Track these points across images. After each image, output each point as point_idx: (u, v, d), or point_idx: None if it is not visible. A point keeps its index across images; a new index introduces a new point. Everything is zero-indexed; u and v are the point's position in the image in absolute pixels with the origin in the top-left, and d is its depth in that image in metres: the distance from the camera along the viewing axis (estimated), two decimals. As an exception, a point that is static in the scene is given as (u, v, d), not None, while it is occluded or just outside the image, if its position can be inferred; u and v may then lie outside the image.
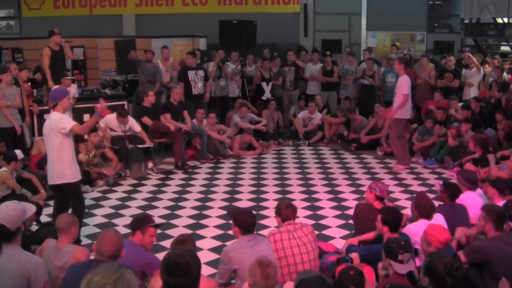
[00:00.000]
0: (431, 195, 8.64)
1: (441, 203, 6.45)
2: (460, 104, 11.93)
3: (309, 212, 8.30)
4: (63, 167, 6.57)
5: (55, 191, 6.88)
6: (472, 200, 6.47)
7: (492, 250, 4.86)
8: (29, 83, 10.89)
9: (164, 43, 13.36)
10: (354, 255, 5.19)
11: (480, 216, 5.24)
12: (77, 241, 6.04)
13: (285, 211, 5.56)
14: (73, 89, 10.63)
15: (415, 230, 5.63)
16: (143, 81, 12.14)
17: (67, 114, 7.10)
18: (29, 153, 9.58)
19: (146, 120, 10.71)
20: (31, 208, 4.67)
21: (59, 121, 6.44)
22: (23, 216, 4.39)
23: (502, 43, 18.18)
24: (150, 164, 10.47)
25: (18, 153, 8.33)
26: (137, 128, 10.40)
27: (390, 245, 4.53)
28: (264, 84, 13.65)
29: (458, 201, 6.35)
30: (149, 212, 7.88)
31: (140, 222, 5.18)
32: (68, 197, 6.79)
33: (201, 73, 12.34)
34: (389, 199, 6.54)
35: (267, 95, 13.65)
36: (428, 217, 5.76)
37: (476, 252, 5.00)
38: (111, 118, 10.27)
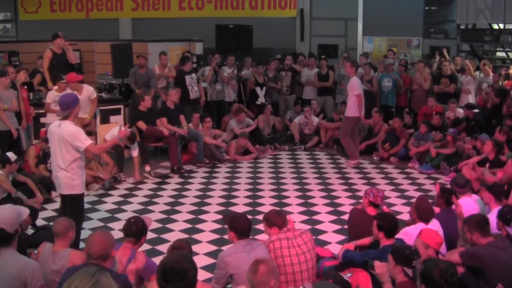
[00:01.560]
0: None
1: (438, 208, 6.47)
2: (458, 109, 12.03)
3: (305, 217, 8.30)
4: (72, 178, 6.40)
5: (61, 196, 6.81)
6: (469, 206, 6.46)
7: (487, 257, 4.84)
8: (26, 87, 10.85)
9: (160, 47, 13.35)
10: (379, 264, 4.70)
11: (464, 231, 5.22)
12: (76, 247, 6.00)
13: (279, 219, 5.52)
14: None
15: (413, 233, 5.62)
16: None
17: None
18: (24, 157, 9.53)
19: (141, 124, 10.69)
20: (25, 211, 4.67)
21: (74, 135, 6.22)
22: (19, 218, 4.40)
23: (498, 49, 18.23)
24: (147, 168, 10.46)
25: (10, 155, 8.29)
26: (135, 153, 10.38)
27: (403, 252, 4.52)
28: (258, 89, 13.64)
29: (454, 207, 6.36)
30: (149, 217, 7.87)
31: (144, 230, 5.18)
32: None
33: (194, 76, 12.38)
34: (382, 205, 6.51)
35: (261, 99, 13.63)
36: (426, 220, 5.77)
37: (471, 258, 4.99)
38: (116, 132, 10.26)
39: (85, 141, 6.27)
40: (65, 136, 6.22)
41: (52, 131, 6.40)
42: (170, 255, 3.76)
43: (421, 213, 5.88)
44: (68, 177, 6.39)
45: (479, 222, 5.07)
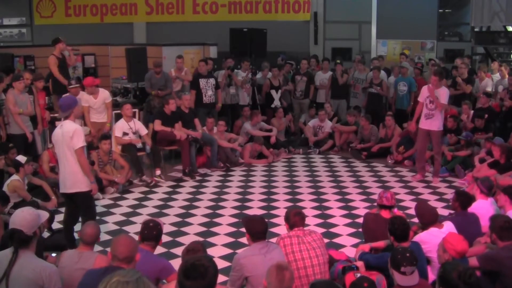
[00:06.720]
0: (441, 204, 8.70)
1: (452, 211, 6.45)
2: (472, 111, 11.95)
3: (320, 220, 8.30)
4: (76, 176, 6.57)
5: (66, 199, 6.91)
6: (485, 209, 6.45)
7: (504, 261, 4.83)
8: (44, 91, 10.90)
9: (175, 51, 13.37)
10: (360, 264, 5.21)
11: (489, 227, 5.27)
12: None
13: (293, 218, 5.59)
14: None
15: (426, 238, 5.64)
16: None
17: (77, 122, 7.15)
18: (39, 161, 9.59)
19: (157, 124, 10.77)
20: (45, 214, 4.72)
21: (72, 133, 6.45)
22: (38, 221, 4.44)
23: (512, 51, 18.18)
24: (158, 172, 10.49)
25: (20, 158, 8.33)
26: (144, 131, 10.49)
27: (395, 255, 4.54)
28: (273, 92, 13.64)
29: (470, 209, 6.34)
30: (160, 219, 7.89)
31: (162, 232, 5.22)
32: (78, 206, 6.81)
33: (212, 81, 12.37)
34: (394, 207, 6.50)
35: (276, 103, 13.62)
36: (432, 224, 5.76)
37: (489, 260, 4.99)
38: (122, 123, 10.33)
39: (78, 143, 6.50)
40: (64, 134, 6.48)
41: (56, 133, 6.67)
42: (192, 255, 3.79)
43: (421, 218, 5.93)
44: (74, 174, 6.58)
45: (502, 226, 5.09)
